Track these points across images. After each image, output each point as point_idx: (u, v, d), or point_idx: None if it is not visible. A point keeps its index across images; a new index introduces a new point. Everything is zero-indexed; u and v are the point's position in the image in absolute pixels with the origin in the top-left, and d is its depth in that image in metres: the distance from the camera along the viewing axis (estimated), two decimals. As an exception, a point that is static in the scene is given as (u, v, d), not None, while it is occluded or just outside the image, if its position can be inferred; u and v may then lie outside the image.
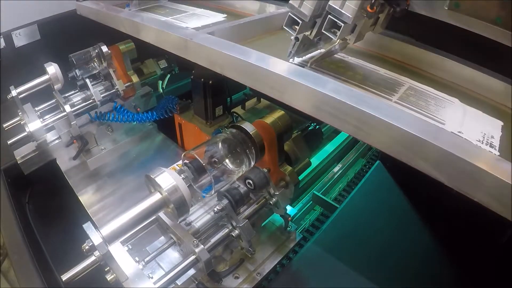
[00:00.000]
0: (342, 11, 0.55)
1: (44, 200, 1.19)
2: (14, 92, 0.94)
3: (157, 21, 0.89)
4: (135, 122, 1.21)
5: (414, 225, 1.08)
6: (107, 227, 0.53)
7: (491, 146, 0.53)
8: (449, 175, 0.43)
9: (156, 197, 0.58)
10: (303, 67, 0.67)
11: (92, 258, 0.55)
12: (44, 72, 0.99)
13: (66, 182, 1.12)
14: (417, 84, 0.67)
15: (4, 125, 1.00)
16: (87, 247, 0.53)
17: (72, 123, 1.04)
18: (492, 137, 0.55)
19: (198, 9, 1.07)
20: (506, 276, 0.88)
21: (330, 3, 0.56)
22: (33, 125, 0.98)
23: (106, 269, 0.59)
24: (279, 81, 0.57)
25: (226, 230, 0.71)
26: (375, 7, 0.57)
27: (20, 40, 1.25)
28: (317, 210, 1.23)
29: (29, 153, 1.13)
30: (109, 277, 0.59)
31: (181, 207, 0.59)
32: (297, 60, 0.70)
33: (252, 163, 0.71)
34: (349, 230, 1.02)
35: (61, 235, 1.08)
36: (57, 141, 1.15)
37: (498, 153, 0.52)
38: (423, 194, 1.04)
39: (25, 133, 0.98)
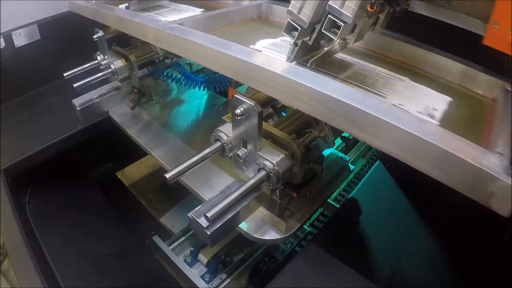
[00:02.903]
0: (342, 10, 0.55)
1: (44, 200, 1.20)
2: (100, 33, 1.07)
3: (137, 16, 0.91)
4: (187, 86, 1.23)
5: (414, 225, 1.08)
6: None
7: (431, 117, 0.57)
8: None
9: None
10: (303, 67, 0.67)
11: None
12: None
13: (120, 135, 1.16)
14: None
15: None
16: (239, 111, 0.64)
17: (134, 73, 1.14)
18: (434, 109, 0.59)
19: (180, 5, 1.11)
20: (506, 276, 0.88)
21: (330, 3, 0.56)
22: (118, 63, 1.10)
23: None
24: (280, 81, 0.57)
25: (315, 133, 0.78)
26: (375, 7, 0.57)
27: (20, 40, 1.26)
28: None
29: (87, 101, 1.20)
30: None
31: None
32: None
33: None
34: (349, 230, 1.02)
35: (61, 235, 1.08)
36: (113, 92, 1.23)
37: (438, 124, 0.55)
38: (423, 194, 1.04)
39: (110, 70, 1.10)
